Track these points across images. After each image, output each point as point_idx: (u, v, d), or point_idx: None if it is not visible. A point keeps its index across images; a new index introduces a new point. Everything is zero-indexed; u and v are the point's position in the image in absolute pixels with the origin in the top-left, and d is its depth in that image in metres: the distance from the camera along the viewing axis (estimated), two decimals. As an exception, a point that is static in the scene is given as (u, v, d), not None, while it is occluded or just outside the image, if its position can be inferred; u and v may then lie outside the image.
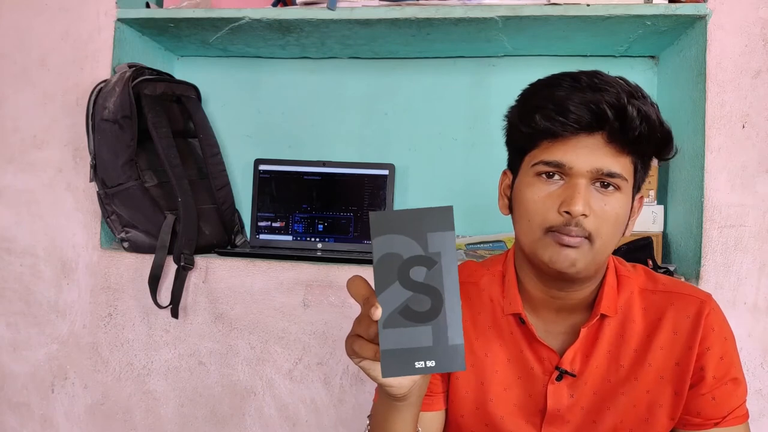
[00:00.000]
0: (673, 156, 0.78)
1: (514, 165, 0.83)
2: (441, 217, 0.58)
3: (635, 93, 0.73)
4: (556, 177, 0.75)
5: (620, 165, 0.74)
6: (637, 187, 0.79)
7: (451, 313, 0.58)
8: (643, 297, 0.84)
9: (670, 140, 0.76)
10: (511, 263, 0.87)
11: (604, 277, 0.83)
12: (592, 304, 0.83)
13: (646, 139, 0.73)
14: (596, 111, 0.71)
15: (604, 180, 0.74)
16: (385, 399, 0.71)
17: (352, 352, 0.62)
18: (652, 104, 0.74)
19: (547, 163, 0.75)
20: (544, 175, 0.75)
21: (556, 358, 0.83)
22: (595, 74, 0.74)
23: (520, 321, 0.84)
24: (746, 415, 0.82)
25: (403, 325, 0.58)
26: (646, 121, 0.72)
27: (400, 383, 0.64)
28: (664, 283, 0.86)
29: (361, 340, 0.61)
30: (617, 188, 0.74)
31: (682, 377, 0.80)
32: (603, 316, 0.82)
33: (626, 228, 0.80)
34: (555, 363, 0.83)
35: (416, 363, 0.57)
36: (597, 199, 0.74)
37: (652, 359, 0.81)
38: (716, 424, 0.81)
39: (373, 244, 0.58)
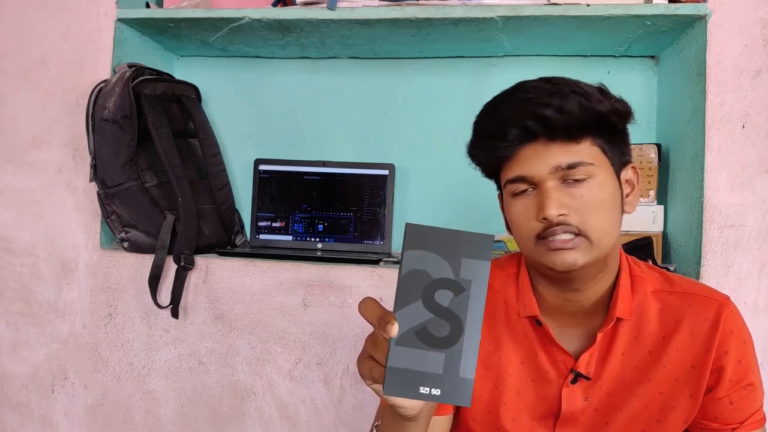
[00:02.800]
0: (630, 119, 0.78)
1: (498, 189, 0.86)
2: (480, 245, 0.56)
3: (553, 90, 0.74)
4: (529, 189, 0.77)
5: (577, 154, 0.74)
6: (618, 164, 0.78)
7: (468, 345, 0.56)
8: (659, 298, 0.83)
9: (608, 113, 0.75)
10: (524, 265, 0.87)
11: (619, 278, 0.82)
12: (606, 305, 0.82)
13: (580, 123, 0.73)
14: (522, 126, 0.74)
15: (569, 174, 0.74)
16: (393, 418, 0.70)
17: (367, 376, 0.60)
18: (576, 91, 0.74)
19: (512, 181, 0.77)
20: (517, 192, 0.78)
21: (571, 361, 0.82)
22: (518, 88, 0.78)
23: (537, 323, 0.84)
24: (764, 419, 0.82)
25: (416, 347, 0.55)
26: (567, 113, 0.72)
27: (411, 405, 0.62)
28: (680, 284, 0.85)
29: (379, 366, 0.58)
30: (587, 176, 0.74)
31: (698, 380, 0.80)
32: (619, 320, 0.81)
33: (624, 205, 0.79)
34: (570, 366, 0.82)
35: (421, 388, 0.55)
36: (571, 194, 0.74)
37: (667, 361, 0.81)
38: (734, 429, 0.81)
39: (404, 256, 0.56)
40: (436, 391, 0.55)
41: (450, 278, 0.56)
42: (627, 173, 0.80)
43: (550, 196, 0.73)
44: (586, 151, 0.75)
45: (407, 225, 0.56)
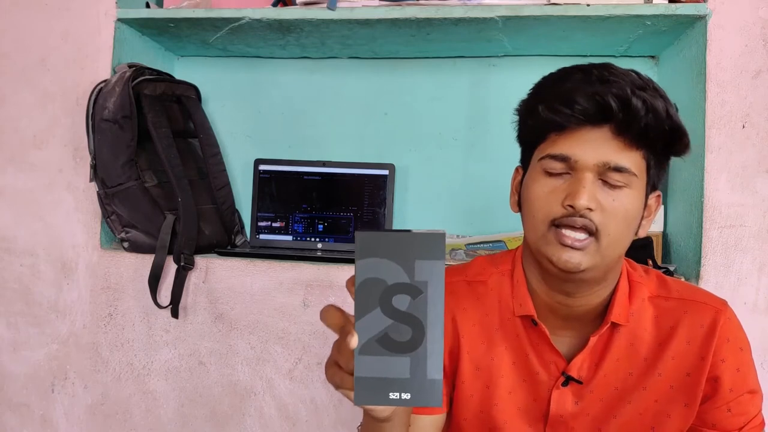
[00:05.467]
0: (688, 152, 0.76)
1: (524, 160, 0.81)
2: (432, 244, 0.55)
3: (644, 85, 0.72)
4: (563, 172, 0.74)
5: (629, 159, 0.72)
6: (651, 186, 0.77)
7: (432, 346, 0.55)
8: (655, 304, 0.82)
9: (681, 133, 0.73)
10: (519, 262, 0.85)
11: (618, 283, 0.81)
12: (603, 313, 0.81)
13: (653, 132, 0.71)
14: (601, 102, 0.70)
15: (611, 175, 0.72)
16: (369, 419, 0.70)
17: (331, 382, 0.60)
18: (663, 97, 0.73)
19: (552, 157, 0.73)
20: (549, 170, 0.74)
21: (563, 363, 0.81)
22: (606, 67, 0.74)
23: (532, 323, 0.82)
24: (763, 423, 0.81)
25: (381, 354, 0.56)
26: (652, 113, 0.70)
27: (382, 407, 0.62)
28: (677, 289, 0.83)
29: (341, 371, 0.58)
30: (626, 184, 0.72)
31: (694, 389, 0.79)
32: (614, 325, 0.80)
33: (639, 227, 0.77)
34: (562, 368, 0.81)
35: (391, 394, 0.56)
36: (604, 193, 0.72)
37: (663, 369, 0.80)
38: None
39: (356, 266, 0.56)
40: (405, 396, 0.56)
41: (406, 282, 0.55)
42: (652, 198, 0.79)
43: (586, 186, 0.71)
44: (636, 161, 0.73)
45: (356, 234, 0.56)
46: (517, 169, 0.84)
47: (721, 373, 0.78)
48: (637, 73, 0.74)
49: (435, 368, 0.55)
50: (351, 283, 0.57)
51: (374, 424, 0.70)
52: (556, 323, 0.82)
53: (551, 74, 0.78)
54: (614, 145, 0.72)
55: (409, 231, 0.56)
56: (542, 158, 0.75)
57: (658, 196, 0.80)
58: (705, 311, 0.80)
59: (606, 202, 0.72)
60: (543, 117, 0.73)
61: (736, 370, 0.78)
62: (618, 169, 0.72)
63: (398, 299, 0.56)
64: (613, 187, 0.73)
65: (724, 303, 0.82)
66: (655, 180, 0.77)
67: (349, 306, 0.57)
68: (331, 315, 0.58)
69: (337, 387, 0.59)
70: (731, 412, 0.79)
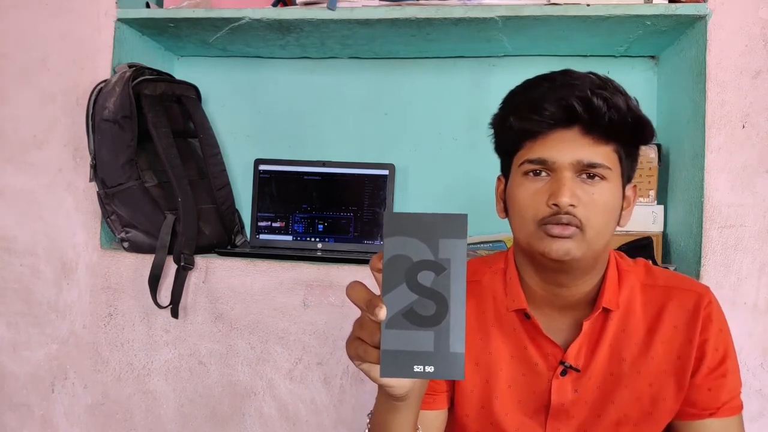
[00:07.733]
0: (654, 139, 0.81)
1: (504, 170, 0.86)
2: (455, 225, 0.58)
3: (603, 85, 0.77)
4: (543, 174, 0.78)
5: (601, 154, 0.76)
6: (626, 177, 0.81)
7: (454, 321, 0.58)
8: (643, 292, 0.86)
9: (644, 123, 0.78)
10: (512, 260, 0.88)
11: (606, 271, 0.84)
12: (594, 299, 0.84)
13: (618, 126, 0.76)
14: (566, 106, 0.75)
15: (587, 171, 0.76)
16: (384, 399, 0.71)
17: (354, 356, 0.62)
18: (623, 94, 0.78)
19: (531, 161, 0.78)
20: (530, 174, 0.79)
21: (560, 353, 0.84)
22: (566, 72, 0.79)
23: (525, 317, 0.85)
24: (740, 407, 0.84)
25: (406, 328, 0.58)
26: (614, 109, 0.75)
27: (400, 384, 0.65)
28: (662, 277, 0.87)
29: (365, 344, 0.60)
30: (602, 178, 0.77)
31: (684, 370, 0.82)
32: (605, 310, 0.83)
33: (620, 218, 0.82)
34: (559, 358, 0.84)
35: (415, 367, 0.58)
36: (584, 189, 0.76)
37: (654, 353, 0.83)
38: (711, 415, 0.82)
39: (384, 244, 0.59)
40: (429, 368, 0.58)
41: (430, 259, 0.58)
42: (629, 189, 0.83)
43: (566, 185, 0.75)
44: (608, 155, 0.77)
45: (385, 214, 0.59)
46: (499, 178, 0.89)
47: (705, 352, 0.82)
48: (595, 74, 0.79)
49: (458, 342, 0.58)
50: (376, 261, 0.60)
51: (390, 404, 0.71)
52: (551, 313, 0.85)
53: (517, 87, 0.83)
54: (585, 143, 0.76)
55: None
56: (521, 164, 0.79)
57: (634, 187, 0.84)
58: (688, 297, 0.84)
59: (586, 197, 0.76)
60: (516, 127, 0.78)
61: (715, 350, 0.82)
62: (592, 165, 0.76)
63: (423, 275, 0.58)
64: (591, 182, 0.77)
65: (706, 288, 0.86)
66: (629, 171, 0.82)
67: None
68: (358, 290, 0.60)
69: (361, 360, 0.61)
70: (711, 392, 0.82)
